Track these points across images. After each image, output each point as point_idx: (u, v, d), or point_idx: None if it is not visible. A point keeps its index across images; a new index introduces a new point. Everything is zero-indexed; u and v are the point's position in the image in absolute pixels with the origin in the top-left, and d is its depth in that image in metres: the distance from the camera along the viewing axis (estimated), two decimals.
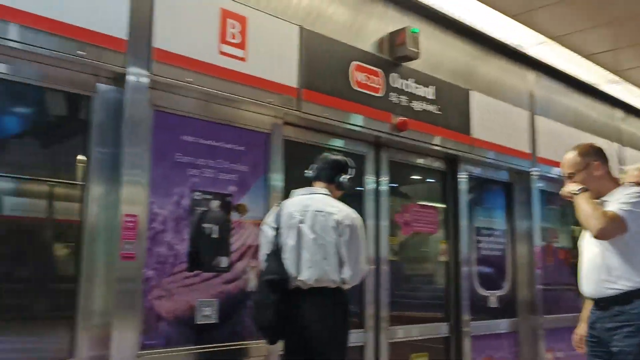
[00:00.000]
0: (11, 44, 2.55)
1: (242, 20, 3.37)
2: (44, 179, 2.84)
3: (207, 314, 3.13)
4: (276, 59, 3.53)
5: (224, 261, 3.24)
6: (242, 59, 3.34)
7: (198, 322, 3.09)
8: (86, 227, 2.80)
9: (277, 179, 3.52)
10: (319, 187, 3.02)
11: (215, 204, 3.24)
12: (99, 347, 2.74)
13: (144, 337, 2.88)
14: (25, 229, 2.81)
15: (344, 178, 3.07)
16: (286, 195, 3.22)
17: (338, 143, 4.10)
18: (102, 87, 2.90)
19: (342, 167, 3.09)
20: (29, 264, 2.79)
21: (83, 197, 2.82)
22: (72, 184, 2.86)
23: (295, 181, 3.32)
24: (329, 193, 3.01)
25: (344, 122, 3.91)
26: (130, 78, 2.90)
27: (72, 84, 2.83)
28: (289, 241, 2.85)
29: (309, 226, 2.86)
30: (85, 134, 2.86)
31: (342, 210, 2.93)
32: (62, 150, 2.96)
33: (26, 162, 2.83)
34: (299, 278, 2.80)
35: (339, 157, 3.16)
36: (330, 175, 3.05)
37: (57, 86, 2.82)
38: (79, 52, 2.73)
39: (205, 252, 3.18)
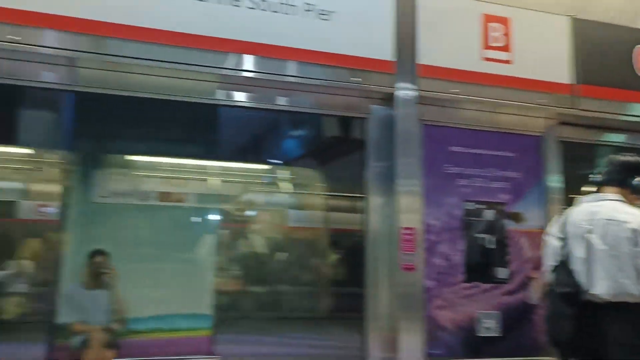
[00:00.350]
0: (290, 79, 2.90)
1: (504, 21, 3.26)
2: (330, 193, 3.17)
3: (489, 326, 3.07)
4: (544, 57, 3.32)
5: (502, 272, 3.15)
6: (507, 61, 3.23)
7: (480, 334, 3.06)
8: (369, 235, 3.01)
9: (555, 185, 3.29)
10: (609, 193, 2.71)
11: (488, 213, 3.18)
12: (388, 350, 2.89)
13: (429, 346, 2.96)
14: (313, 238, 3.17)
15: None
16: (566, 201, 2.98)
17: (625, 139, 3.64)
18: (374, 107, 3.11)
19: (636, 168, 2.73)
20: (320, 270, 3.13)
21: (365, 208, 3.03)
22: (355, 197, 3.11)
23: (574, 186, 3.06)
24: (621, 199, 2.68)
25: (632, 115, 3.47)
26: (399, 96, 3.04)
27: (348, 108, 3.10)
28: (577, 252, 2.62)
29: (599, 236, 2.59)
30: (363, 151, 3.09)
31: (638, 217, 2.58)
32: (343, 167, 3.26)
33: (312, 179, 3.20)
34: (591, 292, 2.56)
35: (631, 157, 2.79)
36: (622, 179, 2.71)
37: (334, 112, 3.12)
38: (352, 78, 2.97)
39: (482, 262, 3.14)
